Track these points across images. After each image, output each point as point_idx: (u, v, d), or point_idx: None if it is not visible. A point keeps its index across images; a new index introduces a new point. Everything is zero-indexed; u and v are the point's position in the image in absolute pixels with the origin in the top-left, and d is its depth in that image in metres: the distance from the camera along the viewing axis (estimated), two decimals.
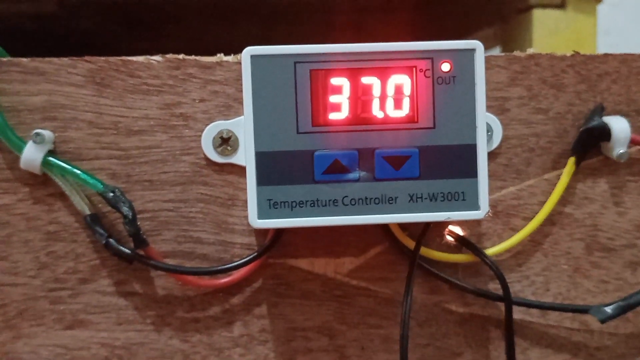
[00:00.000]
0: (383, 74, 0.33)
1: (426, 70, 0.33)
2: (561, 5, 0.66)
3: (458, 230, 0.39)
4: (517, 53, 0.39)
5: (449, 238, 0.39)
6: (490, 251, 0.39)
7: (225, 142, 0.38)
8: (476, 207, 0.34)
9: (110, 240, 0.37)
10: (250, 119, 0.33)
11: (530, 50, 0.39)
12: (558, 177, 0.39)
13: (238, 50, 0.38)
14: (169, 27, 0.79)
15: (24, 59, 0.38)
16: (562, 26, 0.67)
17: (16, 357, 0.38)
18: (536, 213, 0.39)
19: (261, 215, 0.33)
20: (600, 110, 0.39)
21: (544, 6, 0.66)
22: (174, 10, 0.76)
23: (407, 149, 0.33)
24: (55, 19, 0.72)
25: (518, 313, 0.39)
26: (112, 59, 0.38)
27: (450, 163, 0.33)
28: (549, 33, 0.66)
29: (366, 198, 0.33)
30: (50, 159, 0.37)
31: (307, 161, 0.33)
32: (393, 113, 0.33)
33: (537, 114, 0.39)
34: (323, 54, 0.33)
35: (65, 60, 0.38)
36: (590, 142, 0.39)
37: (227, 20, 0.79)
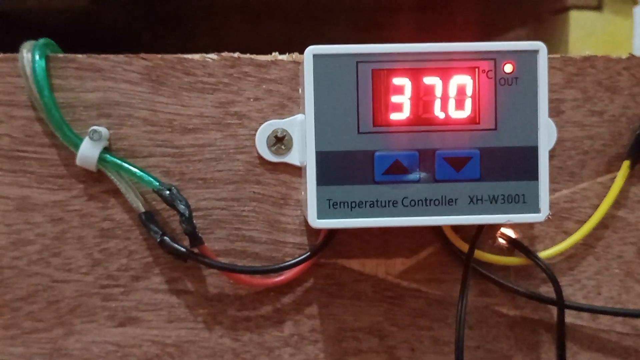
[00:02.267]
0: (445, 74, 0.33)
1: (489, 71, 0.33)
2: (598, 7, 0.65)
3: (510, 233, 0.39)
4: (572, 55, 0.39)
5: (501, 241, 0.39)
6: (542, 254, 0.38)
7: (279, 141, 0.38)
8: (536, 209, 0.33)
9: (166, 238, 0.37)
10: (312, 118, 0.33)
11: (585, 52, 0.39)
12: (612, 181, 0.39)
13: (263, 48, 0.38)
14: (197, 23, 0.79)
15: (80, 56, 0.38)
16: (598, 28, 0.66)
17: (67, 353, 0.38)
18: (589, 216, 0.39)
19: (321, 215, 0.33)
20: None
21: (581, 7, 0.65)
22: (202, 7, 0.76)
23: (468, 150, 0.33)
24: (86, 14, 0.72)
25: (569, 317, 0.39)
26: (167, 56, 0.38)
27: (511, 165, 0.33)
28: (585, 35, 0.66)
29: (426, 199, 0.33)
30: (106, 155, 0.37)
31: (367, 161, 0.33)
32: (455, 114, 0.33)
33: (592, 117, 0.39)
34: (385, 53, 0.33)
35: (121, 57, 0.38)
36: None
37: (253, 18, 0.79)
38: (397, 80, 0.33)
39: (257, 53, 0.38)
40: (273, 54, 0.38)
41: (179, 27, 0.80)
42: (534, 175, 0.33)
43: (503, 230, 0.39)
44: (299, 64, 0.38)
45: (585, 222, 0.39)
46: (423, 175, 0.33)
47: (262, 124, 0.38)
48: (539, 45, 0.33)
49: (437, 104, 0.33)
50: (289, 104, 0.38)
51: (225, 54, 0.38)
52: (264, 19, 0.79)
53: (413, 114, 0.33)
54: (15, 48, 0.37)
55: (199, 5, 0.76)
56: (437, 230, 0.39)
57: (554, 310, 0.39)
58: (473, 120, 0.33)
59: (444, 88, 0.33)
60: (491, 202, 0.33)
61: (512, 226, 0.39)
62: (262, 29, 0.81)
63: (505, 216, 0.33)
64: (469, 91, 0.33)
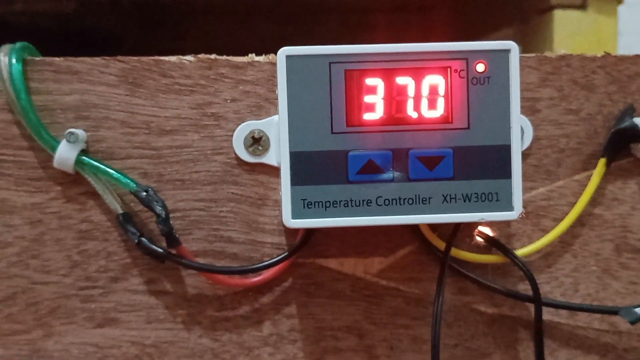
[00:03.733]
0: (418, 74, 0.33)
1: (461, 70, 0.33)
2: (582, 6, 0.66)
3: (488, 231, 0.39)
4: (547, 54, 0.39)
5: (479, 239, 0.39)
6: (519, 252, 0.39)
7: (257, 142, 0.38)
8: (510, 207, 0.34)
9: (143, 239, 0.37)
10: (285, 118, 0.33)
11: (561, 51, 0.39)
12: (588, 178, 0.39)
13: (255, 50, 0.39)
14: (187, 26, 0.79)
15: (57, 59, 0.38)
16: (583, 27, 0.66)
17: (47, 355, 0.38)
18: (566, 214, 0.39)
19: (295, 215, 0.33)
20: (631, 112, 0.39)
21: (565, 7, 0.66)
22: (192, 10, 0.76)
23: (441, 150, 0.33)
24: (75, 18, 0.72)
25: (547, 314, 0.39)
26: (144, 58, 0.38)
27: (484, 163, 0.33)
28: (569, 34, 0.66)
29: (400, 198, 0.33)
30: (84, 158, 0.37)
31: (341, 161, 0.33)
32: (427, 113, 0.33)
33: (568, 115, 0.39)
34: (358, 54, 0.33)
35: (98, 59, 0.38)
36: (621, 143, 0.39)
37: (244, 19, 0.79)
38: (369, 81, 0.33)
39: (248, 54, 0.38)
40: (249, 55, 0.38)
41: (168, 29, 0.81)
42: (507, 174, 0.34)
43: (480, 228, 0.39)
44: (275, 64, 0.38)
45: (562, 219, 0.39)
46: (397, 174, 0.33)
47: (239, 125, 0.38)
48: (510, 44, 0.33)
49: (410, 103, 0.33)
50: (266, 105, 0.38)
51: (201, 55, 0.38)
52: (255, 20, 0.79)
53: (386, 113, 0.33)
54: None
55: (188, 7, 0.76)
56: (415, 229, 0.39)
57: (532, 307, 0.39)
58: (446, 119, 0.33)
59: (416, 88, 0.33)
60: (465, 201, 0.34)
61: (490, 224, 0.39)
62: (253, 30, 0.81)
63: (479, 214, 0.34)
64: (442, 91, 0.33)
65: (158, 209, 0.36)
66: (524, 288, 0.39)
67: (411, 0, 0.75)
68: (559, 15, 0.65)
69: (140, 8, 0.74)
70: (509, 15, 0.75)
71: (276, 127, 0.37)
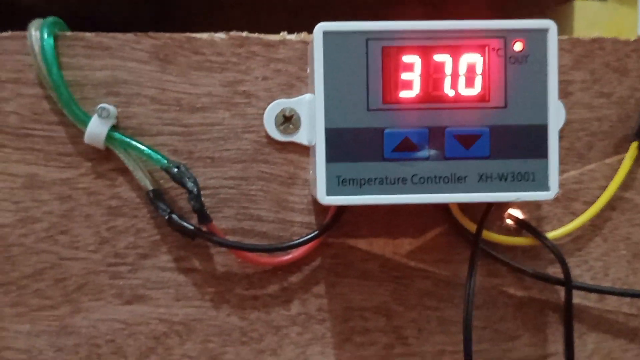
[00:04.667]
0: (455, 52, 0.33)
1: (499, 49, 0.33)
2: None
3: (518, 214, 0.39)
4: (581, 37, 0.39)
5: (509, 221, 0.39)
6: (550, 235, 0.38)
7: (288, 120, 0.38)
8: (546, 187, 0.33)
9: (174, 215, 0.37)
10: (321, 95, 0.33)
11: (594, 34, 0.39)
12: (619, 162, 0.39)
13: None
14: (197, 16, 0.79)
15: (88, 34, 0.38)
16: (603, 18, 0.66)
17: (74, 331, 0.38)
18: (597, 198, 0.39)
19: (330, 191, 0.33)
20: None
21: None
22: (202, 3, 0.76)
23: (478, 128, 0.33)
24: (88, 5, 0.72)
25: (576, 297, 0.39)
26: (176, 35, 0.38)
27: (520, 143, 0.33)
28: (589, 25, 0.65)
29: (435, 177, 0.33)
30: (115, 133, 0.37)
31: (377, 139, 0.33)
32: (464, 92, 0.33)
33: (600, 98, 0.39)
34: (396, 30, 0.33)
35: (129, 35, 0.38)
36: None
37: (254, 10, 0.78)
38: (407, 58, 0.33)
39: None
40: (281, 33, 0.38)
41: (181, 15, 0.80)
42: (543, 154, 0.33)
43: (511, 210, 0.39)
44: (307, 43, 0.38)
45: (592, 203, 0.39)
46: (432, 152, 0.33)
47: (270, 103, 0.38)
48: (549, 23, 0.33)
49: (447, 81, 0.33)
50: (297, 84, 0.38)
51: (233, 33, 0.38)
52: (265, 11, 0.79)
53: (423, 91, 0.33)
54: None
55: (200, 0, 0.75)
56: (445, 210, 0.39)
57: (561, 291, 0.39)
58: (483, 98, 0.33)
59: (454, 66, 0.33)
60: (500, 180, 0.33)
61: (520, 207, 0.39)
62: (263, 22, 0.81)
63: (514, 194, 0.33)
64: (479, 69, 0.33)
65: (190, 185, 0.36)
66: (554, 271, 0.39)
67: None
68: (579, 5, 0.65)
69: (152, 1, 0.74)
70: (528, 6, 0.75)
71: (307, 105, 0.37)
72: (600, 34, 0.64)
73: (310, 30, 0.33)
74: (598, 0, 0.66)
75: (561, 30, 0.67)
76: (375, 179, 0.33)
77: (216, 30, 0.38)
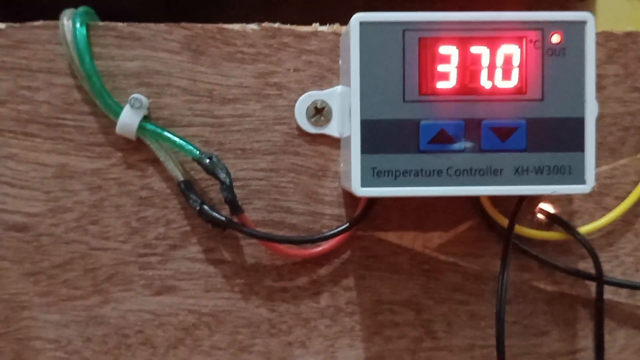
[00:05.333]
0: (492, 43, 0.33)
1: (536, 41, 0.33)
2: None
3: (549, 208, 0.39)
4: (614, 30, 0.39)
5: (540, 216, 0.39)
6: (581, 230, 0.38)
7: (319, 112, 0.38)
8: (582, 181, 0.33)
9: (205, 206, 0.37)
10: (357, 86, 0.33)
11: (628, 28, 0.39)
12: None
13: None
14: (211, 12, 0.78)
15: (120, 24, 0.38)
16: (625, 14, 0.66)
17: (104, 321, 0.38)
18: (629, 193, 0.39)
19: (365, 183, 0.33)
20: None
21: None
22: None
23: (514, 121, 0.33)
24: (101, 1, 0.72)
25: (607, 293, 0.39)
26: (208, 26, 0.38)
27: (557, 136, 0.33)
28: (611, 20, 0.65)
29: (471, 169, 0.33)
30: (147, 124, 0.37)
31: (412, 130, 0.33)
32: (501, 84, 0.33)
33: (633, 93, 0.39)
34: (432, 22, 0.33)
35: (161, 26, 0.38)
36: None
37: (267, 7, 0.78)
38: (443, 49, 0.33)
39: None
40: (313, 25, 0.38)
41: (193, 15, 0.80)
42: (580, 147, 0.33)
43: (542, 205, 0.39)
44: (339, 35, 0.38)
45: (624, 198, 0.39)
46: (468, 144, 0.33)
47: (301, 95, 0.38)
48: (586, 16, 0.33)
49: (484, 73, 0.33)
50: (329, 76, 0.38)
51: (265, 24, 0.38)
52: (282, 6, 0.79)
53: (459, 83, 0.33)
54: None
55: None
56: (476, 204, 0.38)
57: (592, 286, 0.39)
58: (520, 90, 0.33)
59: (491, 57, 0.33)
60: (537, 173, 0.33)
61: (551, 201, 0.39)
62: (278, 17, 0.81)
63: (551, 187, 0.33)
64: (516, 61, 0.33)
65: (222, 175, 0.36)
66: (584, 266, 0.39)
67: None
68: (601, 2, 0.65)
69: None
70: (549, 2, 0.74)
71: (339, 97, 0.37)
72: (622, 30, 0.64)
73: (331, 21, 0.33)
74: None
75: None
76: (410, 171, 0.33)
77: (231, 22, 0.38)
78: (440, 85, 0.33)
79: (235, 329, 0.39)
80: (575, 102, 0.33)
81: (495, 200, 0.38)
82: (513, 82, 0.33)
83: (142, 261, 0.38)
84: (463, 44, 0.33)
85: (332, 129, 0.38)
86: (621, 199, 0.39)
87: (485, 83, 0.33)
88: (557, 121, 0.33)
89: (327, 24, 0.38)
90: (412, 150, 0.33)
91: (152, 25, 0.37)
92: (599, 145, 0.39)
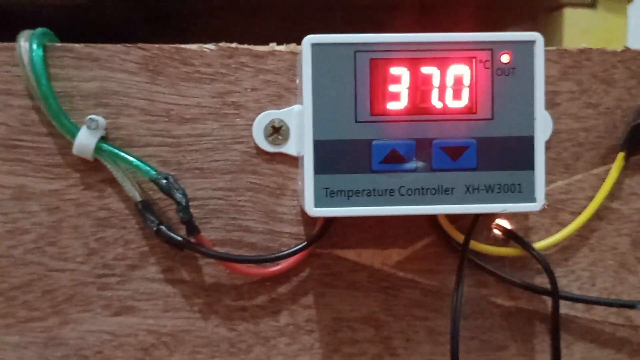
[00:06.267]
0: (443, 64, 0.33)
1: (486, 61, 0.33)
2: (592, 5, 0.65)
3: (506, 224, 0.39)
4: (568, 47, 0.39)
5: (497, 232, 0.39)
6: (537, 245, 0.39)
7: (277, 131, 0.38)
8: (532, 199, 0.34)
9: (162, 227, 0.37)
10: (310, 107, 0.33)
11: (581, 45, 0.39)
12: (606, 173, 0.39)
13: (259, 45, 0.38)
14: (193, 21, 0.79)
15: (77, 45, 0.38)
16: (593, 26, 0.66)
17: (63, 342, 0.38)
18: (584, 208, 0.39)
19: (318, 203, 0.33)
20: None
21: (575, 5, 0.65)
22: (199, 5, 0.76)
23: (465, 140, 0.33)
24: (82, 11, 0.72)
25: (563, 307, 0.40)
26: (165, 46, 0.38)
27: (507, 154, 0.33)
28: (579, 33, 0.66)
29: (423, 188, 0.33)
30: (103, 144, 0.37)
31: (364, 150, 0.33)
32: (452, 103, 0.33)
33: (587, 109, 0.39)
34: (383, 43, 0.33)
35: (118, 47, 0.38)
36: None
37: (248, 15, 0.79)
38: (394, 70, 0.33)
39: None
40: (270, 44, 0.38)
41: (175, 24, 0.80)
42: (530, 165, 0.34)
43: (498, 221, 0.39)
44: (296, 54, 0.38)
45: (580, 213, 0.39)
46: (420, 164, 0.33)
47: (259, 114, 0.38)
48: (535, 35, 0.33)
49: (435, 93, 0.33)
50: (286, 95, 0.38)
51: (222, 44, 0.38)
52: (260, 16, 0.79)
53: (410, 103, 0.33)
54: (11, 40, 0.37)
55: (193, 4, 0.75)
56: (433, 221, 0.39)
57: (549, 301, 0.39)
58: (470, 110, 0.33)
59: (441, 78, 0.33)
60: (487, 192, 0.34)
61: (508, 217, 0.39)
62: (258, 26, 0.81)
63: (501, 205, 0.34)
64: (466, 81, 0.33)
65: (178, 196, 0.36)
66: (541, 281, 0.39)
67: (426, 1, 0.75)
68: (568, 13, 0.65)
69: (149, 3, 0.74)
70: (518, 14, 0.75)
71: (296, 116, 0.37)
72: (590, 42, 0.65)
73: (301, 40, 0.33)
74: (587, 9, 0.66)
75: (551, 39, 0.67)
76: (363, 191, 0.33)
77: (210, 36, 0.38)
78: (392, 105, 0.33)
79: (194, 349, 0.39)
80: (524, 121, 0.33)
81: (452, 216, 0.38)
82: (463, 102, 0.33)
83: (101, 282, 0.38)
84: (414, 64, 0.33)
85: (290, 148, 0.38)
86: (576, 214, 0.39)
87: (436, 103, 0.33)
88: (507, 140, 0.33)
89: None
90: (365, 170, 0.33)
91: (109, 46, 0.38)
92: (554, 161, 0.39)
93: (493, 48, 0.33)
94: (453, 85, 0.33)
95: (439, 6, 0.79)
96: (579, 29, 0.66)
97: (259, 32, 0.81)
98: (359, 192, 0.33)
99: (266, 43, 0.38)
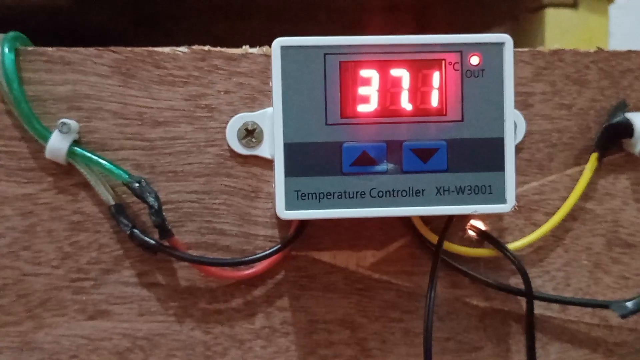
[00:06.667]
0: (412, 66, 0.33)
1: (455, 63, 0.33)
2: (574, 5, 0.66)
3: (480, 225, 0.39)
4: (541, 48, 0.39)
5: (471, 233, 0.39)
6: (512, 246, 0.39)
7: (250, 134, 0.38)
8: (503, 200, 0.34)
9: (135, 230, 0.37)
10: (280, 109, 0.33)
11: (554, 46, 0.39)
12: (580, 173, 0.39)
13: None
14: (179, 22, 0.79)
15: (50, 49, 0.38)
16: (574, 26, 0.67)
17: (37, 347, 0.38)
18: (558, 208, 0.39)
19: (289, 206, 0.33)
20: (623, 107, 0.39)
21: (557, 5, 0.66)
22: (184, 6, 0.76)
23: (435, 142, 0.33)
24: (68, 14, 0.72)
25: (538, 308, 0.40)
26: (137, 49, 0.38)
27: (477, 156, 0.34)
28: (561, 33, 0.66)
29: (393, 190, 0.34)
30: (76, 148, 0.37)
31: (335, 153, 0.33)
32: (421, 106, 0.33)
33: (560, 110, 0.39)
34: (353, 45, 0.33)
35: (91, 50, 0.38)
36: (613, 138, 0.39)
37: (234, 16, 0.79)
38: (364, 72, 0.33)
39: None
40: (243, 47, 0.38)
41: (161, 26, 0.80)
42: (500, 166, 0.34)
43: (473, 222, 0.39)
44: (269, 57, 0.38)
45: (554, 214, 0.39)
46: (391, 166, 0.34)
47: (232, 116, 0.38)
48: (504, 37, 0.33)
49: (405, 95, 0.34)
50: (260, 97, 0.38)
51: (195, 47, 0.38)
52: (245, 18, 0.79)
53: (380, 105, 0.33)
54: None
55: (181, 4, 0.75)
56: (408, 222, 0.39)
57: (524, 301, 0.39)
58: (440, 112, 0.34)
59: (411, 80, 0.33)
60: (458, 193, 0.34)
61: (482, 218, 0.39)
62: (243, 28, 0.81)
63: (472, 207, 0.34)
64: (436, 83, 0.33)
65: (151, 200, 0.36)
66: (516, 282, 0.39)
67: (402, 1, 0.76)
68: (550, 13, 0.66)
69: (133, 5, 0.74)
70: (500, 14, 0.75)
71: (270, 119, 0.37)
72: (572, 42, 0.65)
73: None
74: (569, 9, 0.66)
75: (533, 39, 0.67)
76: (334, 193, 0.33)
77: (196, 38, 0.38)
78: (362, 108, 0.33)
79: (170, 352, 0.39)
80: (494, 123, 0.34)
81: (426, 218, 0.38)
82: (433, 104, 0.33)
83: (75, 286, 0.38)
84: (383, 67, 0.33)
85: (264, 150, 0.38)
86: (550, 214, 0.39)
87: (405, 105, 0.34)
88: (477, 141, 0.34)
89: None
90: (335, 172, 0.33)
91: (81, 49, 0.37)
92: (528, 162, 0.39)
93: (462, 50, 0.33)
94: (422, 88, 0.33)
95: (421, 8, 0.79)
96: (561, 29, 0.66)
97: (245, 33, 0.82)
98: (330, 195, 0.33)
99: (254, 43, 0.38)
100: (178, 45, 0.38)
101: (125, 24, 0.79)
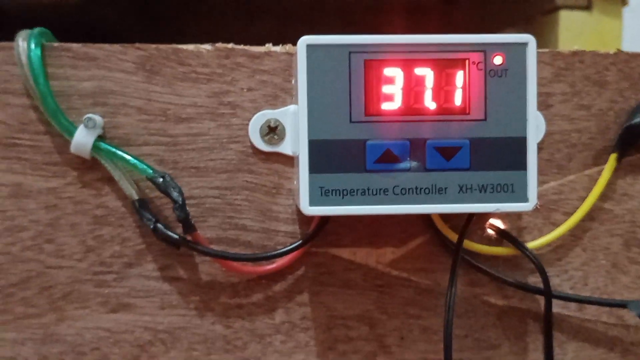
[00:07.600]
0: (436, 65, 0.34)
1: (479, 62, 0.34)
2: (587, 7, 0.66)
3: (499, 224, 0.39)
4: (561, 49, 0.40)
5: (490, 231, 0.40)
6: (530, 245, 0.39)
7: (272, 131, 0.38)
8: (525, 199, 0.34)
9: (159, 225, 0.37)
10: (305, 107, 0.33)
11: (574, 47, 0.40)
12: (599, 173, 0.39)
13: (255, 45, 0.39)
14: (188, 20, 0.79)
15: (75, 45, 0.38)
16: (588, 28, 0.67)
17: (60, 339, 0.39)
18: (576, 208, 0.39)
19: (313, 202, 0.34)
20: None
21: (570, 8, 0.66)
22: (194, 4, 0.76)
23: (458, 140, 0.34)
24: (77, 11, 0.72)
25: (556, 307, 0.40)
26: (162, 46, 0.38)
27: (500, 155, 0.34)
28: (574, 35, 0.66)
29: (416, 188, 0.34)
30: (100, 143, 0.37)
31: (359, 150, 0.34)
32: (445, 104, 0.34)
33: (580, 110, 0.40)
34: (378, 44, 0.33)
35: (116, 46, 0.38)
36: (632, 139, 0.39)
37: (245, 16, 0.79)
38: (388, 71, 0.34)
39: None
40: (266, 45, 0.39)
41: (171, 24, 0.81)
42: (522, 165, 0.34)
43: (492, 220, 0.39)
44: (292, 55, 0.38)
45: (572, 214, 0.39)
46: (414, 164, 0.34)
47: (255, 114, 0.38)
48: (528, 37, 0.34)
49: (428, 94, 0.34)
50: (282, 95, 0.38)
51: (219, 44, 0.38)
52: (256, 17, 0.80)
53: (404, 104, 0.34)
54: (8, 40, 0.37)
55: (188, 5, 0.76)
56: (427, 220, 0.39)
57: (542, 300, 0.40)
58: (463, 110, 0.34)
59: (435, 79, 0.34)
60: (480, 192, 0.34)
61: (501, 217, 0.39)
62: (253, 27, 0.82)
63: (494, 205, 0.34)
64: (460, 82, 0.34)
65: (175, 194, 0.36)
66: (534, 281, 0.40)
67: (420, 3, 0.76)
68: (564, 16, 0.66)
69: (144, 3, 0.74)
70: (513, 16, 0.76)
71: (292, 116, 0.38)
72: (585, 44, 0.65)
73: (297, 41, 0.34)
74: (583, 11, 0.67)
75: (546, 41, 0.67)
76: (357, 190, 0.34)
77: (205, 38, 0.38)
78: (386, 106, 0.34)
79: (190, 346, 0.39)
80: (517, 122, 0.34)
81: (446, 216, 0.39)
82: (456, 103, 0.34)
83: (98, 279, 0.39)
84: (408, 65, 0.34)
85: (286, 147, 0.38)
86: (569, 214, 0.39)
87: (429, 104, 0.34)
88: (500, 140, 0.34)
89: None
90: (359, 169, 0.34)
91: (106, 45, 0.38)
92: (547, 162, 0.40)
93: (486, 50, 0.34)
94: (446, 87, 0.34)
95: (434, 10, 0.79)
96: (574, 31, 0.66)
97: (255, 33, 0.82)
98: (353, 192, 0.34)
99: (262, 44, 0.39)
100: (188, 43, 0.39)
101: (133, 21, 0.80)
